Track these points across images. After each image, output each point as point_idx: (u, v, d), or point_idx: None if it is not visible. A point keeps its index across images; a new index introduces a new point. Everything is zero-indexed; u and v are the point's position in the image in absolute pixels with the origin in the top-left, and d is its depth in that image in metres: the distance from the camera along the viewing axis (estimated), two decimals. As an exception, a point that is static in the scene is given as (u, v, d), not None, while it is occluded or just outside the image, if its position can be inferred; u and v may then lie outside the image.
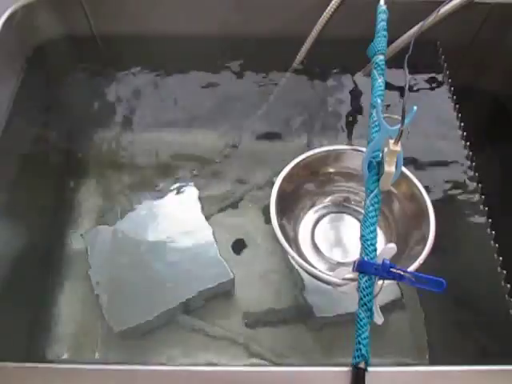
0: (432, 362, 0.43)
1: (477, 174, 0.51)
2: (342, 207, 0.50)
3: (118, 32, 0.60)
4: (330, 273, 0.41)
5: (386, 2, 0.46)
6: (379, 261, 0.33)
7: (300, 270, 0.45)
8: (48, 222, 0.51)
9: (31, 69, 0.57)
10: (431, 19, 0.47)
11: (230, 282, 0.45)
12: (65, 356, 0.44)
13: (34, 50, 0.59)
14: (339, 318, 0.43)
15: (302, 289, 0.45)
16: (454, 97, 0.56)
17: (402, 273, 0.32)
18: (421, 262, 0.39)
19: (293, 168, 0.46)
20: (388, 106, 0.49)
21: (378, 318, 0.33)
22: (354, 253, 0.46)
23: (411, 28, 0.48)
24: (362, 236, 0.35)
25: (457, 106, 0.55)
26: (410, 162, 0.52)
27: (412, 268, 0.39)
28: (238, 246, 0.50)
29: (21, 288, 0.45)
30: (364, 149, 0.44)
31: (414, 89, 0.59)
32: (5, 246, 0.46)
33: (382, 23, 0.45)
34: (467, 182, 0.52)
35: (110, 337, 0.43)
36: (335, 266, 0.46)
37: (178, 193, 0.52)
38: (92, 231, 0.48)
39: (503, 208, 0.51)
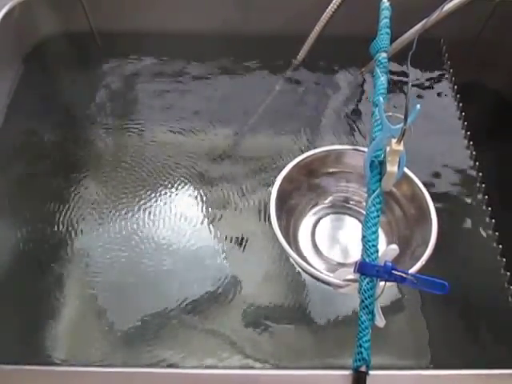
0: (434, 365, 0.43)
1: (480, 174, 0.51)
2: (342, 208, 0.50)
3: (117, 29, 0.60)
4: (331, 274, 0.40)
5: (388, -1, 0.46)
6: (381, 262, 0.33)
7: (300, 271, 0.45)
8: (46, 220, 0.51)
9: (29, 66, 0.57)
10: (435, 16, 0.46)
11: (230, 283, 0.45)
12: (63, 358, 0.44)
13: (32, 46, 0.58)
14: (340, 320, 0.43)
15: (302, 290, 0.45)
16: (458, 95, 0.56)
17: (404, 275, 0.32)
18: (423, 263, 0.39)
19: (293, 168, 0.45)
20: (390, 104, 0.49)
21: (380, 321, 0.32)
22: (354, 254, 0.46)
23: (414, 25, 0.47)
24: (363, 237, 0.35)
25: (460, 104, 0.55)
26: (412, 161, 0.51)
27: (414, 269, 0.39)
28: (238, 247, 0.49)
29: (18, 288, 0.45)
30: (365, 149, 0.43)
31: (418, 87, 0.58)
32: (2, 244, 0.46)
33: (385, 20, 0.44)
34: (470, 181, 0.51)
35: (108, 338, 0.43)
36: (336, 266, 0.46)
37: (178, 192, 0.51)
38: (91, 230, 0.48)
39: (507, 209, 0.50)
